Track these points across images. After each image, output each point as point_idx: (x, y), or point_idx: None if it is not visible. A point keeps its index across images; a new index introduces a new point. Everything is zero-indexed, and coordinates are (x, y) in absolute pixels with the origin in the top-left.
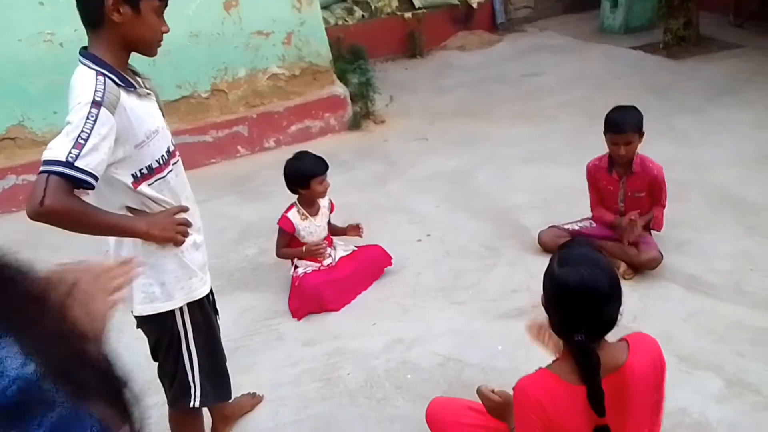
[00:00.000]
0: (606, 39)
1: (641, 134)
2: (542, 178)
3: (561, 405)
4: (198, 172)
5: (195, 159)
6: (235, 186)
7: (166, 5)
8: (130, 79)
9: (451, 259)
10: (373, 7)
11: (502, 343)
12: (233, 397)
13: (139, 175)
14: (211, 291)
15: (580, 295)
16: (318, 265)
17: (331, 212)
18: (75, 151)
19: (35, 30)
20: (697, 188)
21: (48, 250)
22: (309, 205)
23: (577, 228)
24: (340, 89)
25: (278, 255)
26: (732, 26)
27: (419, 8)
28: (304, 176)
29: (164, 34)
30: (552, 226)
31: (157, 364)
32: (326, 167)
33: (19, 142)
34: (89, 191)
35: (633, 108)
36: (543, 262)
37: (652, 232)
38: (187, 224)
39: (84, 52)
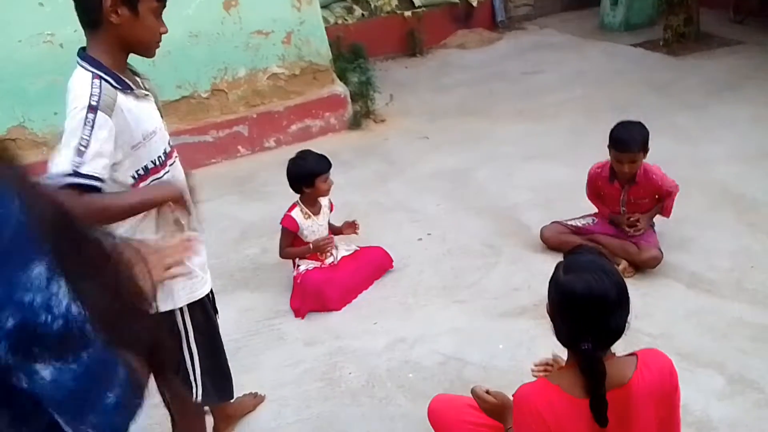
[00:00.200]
0: (606, 36)
1: (646, 151)
2: (543, 176)
3: (561, 417)
4: (198, 172)
5: (195, 159)
6: (236, 186)
7: (165, 6)
8: (127, 80)
9: (452, 258)
10: (372, 6)
11: (504, 341)
12: (235, 396)
13: (136, 176)
14: (210, 290)
15: (588, 302)
16: (320, 263)
17: (330, 212)
18: (77, 159)
19: (35, 31)
20: (697, 185)
21: None
22: (311, 204)
23: (579, 225)
24: (340, 88)
25: (282, 255)
26: (732, 23)
27: (419, 7)
28: (309, 175)
29: (163, 35)
30: (554, 222)
31: None
32: (330, 165)
33: (20, 143)
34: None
35: (639, 124)
36: (544, 260)
37: (656, 228)
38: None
39: (82, 53)
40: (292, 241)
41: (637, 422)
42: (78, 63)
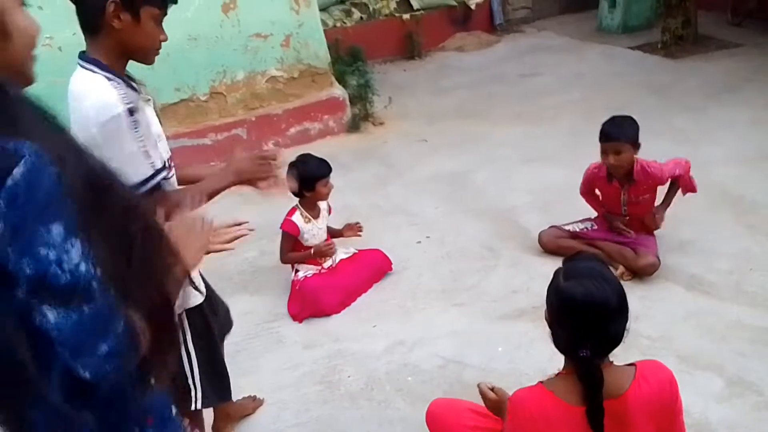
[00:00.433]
0: (604, 39)
1: (635, 145)
2: (541, 179)
3: (555, 424)
4: None
5: (194, 162)
6: (235, 189)
7: (166, 14)
8: (134, 84)
9: (451, 261)
10: (371, 9)
11: (503, 344)
12: (234, 399)
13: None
14: (210, 290)
15: (588, 308)
16: (318, 268)
17: (329, 215)
18: (148, 161)
19: None
20: (696, 187)
21: None
22: (311, 207)
23: (577, 229)
24: (338, 91)
25: (284, 261)
26: (730, 25)
27: (417, 9)
28: (310, 179)
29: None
30: (552, 227)
31: None
32: (330, 169)
33: None
34: None
35: (628, 118)
36: (543, 263)
37: (657, 227)
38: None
39: (87, 57)
40: (293, 245)
41: None
42: (82, 66)
